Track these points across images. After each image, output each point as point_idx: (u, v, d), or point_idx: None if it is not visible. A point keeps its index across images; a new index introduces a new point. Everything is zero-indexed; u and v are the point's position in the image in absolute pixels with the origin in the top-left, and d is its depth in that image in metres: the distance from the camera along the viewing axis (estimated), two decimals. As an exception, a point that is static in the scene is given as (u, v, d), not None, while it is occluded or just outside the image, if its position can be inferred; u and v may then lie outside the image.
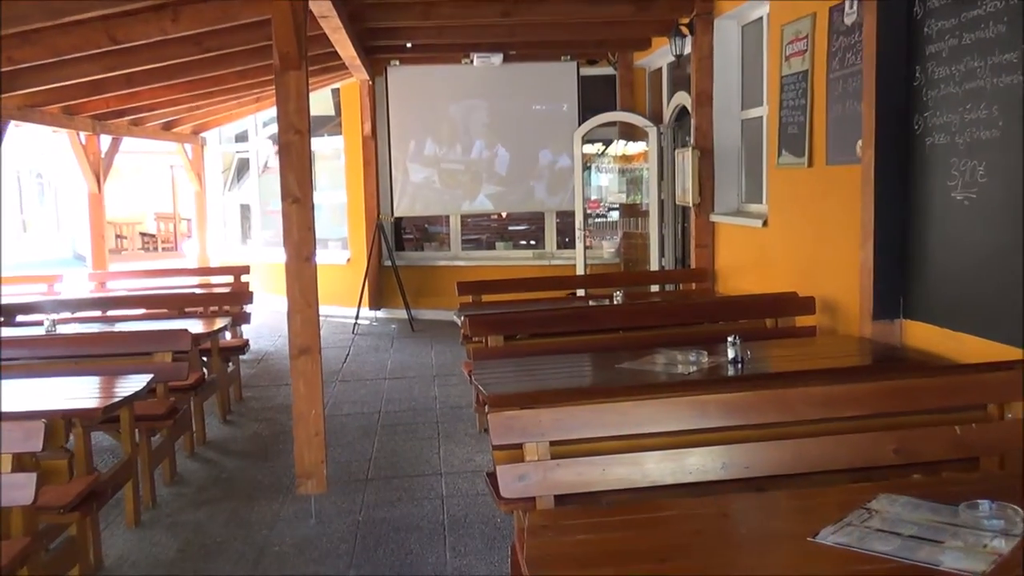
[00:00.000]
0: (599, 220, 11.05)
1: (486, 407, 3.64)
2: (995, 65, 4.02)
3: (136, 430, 4.84)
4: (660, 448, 3.25)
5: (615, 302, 6.52)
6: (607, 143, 10.67)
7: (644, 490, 3.21)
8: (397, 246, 11.52)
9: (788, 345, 5.14)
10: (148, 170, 22.36)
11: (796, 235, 6.22)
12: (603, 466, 3.16)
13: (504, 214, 11.98)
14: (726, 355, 4.46)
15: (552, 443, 3.18)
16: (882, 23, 4.72)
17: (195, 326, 6.43)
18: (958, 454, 3.29)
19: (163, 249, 22.08)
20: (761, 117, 7.22)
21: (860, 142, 5.17)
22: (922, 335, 4.71)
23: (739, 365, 4.38)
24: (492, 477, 3.75)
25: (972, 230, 4.23)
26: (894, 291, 4.85)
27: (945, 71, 4.39)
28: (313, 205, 4.68)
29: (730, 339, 4.43)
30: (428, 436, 6.32)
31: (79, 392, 4.49)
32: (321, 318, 4.95)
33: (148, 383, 4.65)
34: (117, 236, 22.08)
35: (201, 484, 5.48)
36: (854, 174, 5.23)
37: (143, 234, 22.77)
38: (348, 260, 11.54)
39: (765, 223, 6.73)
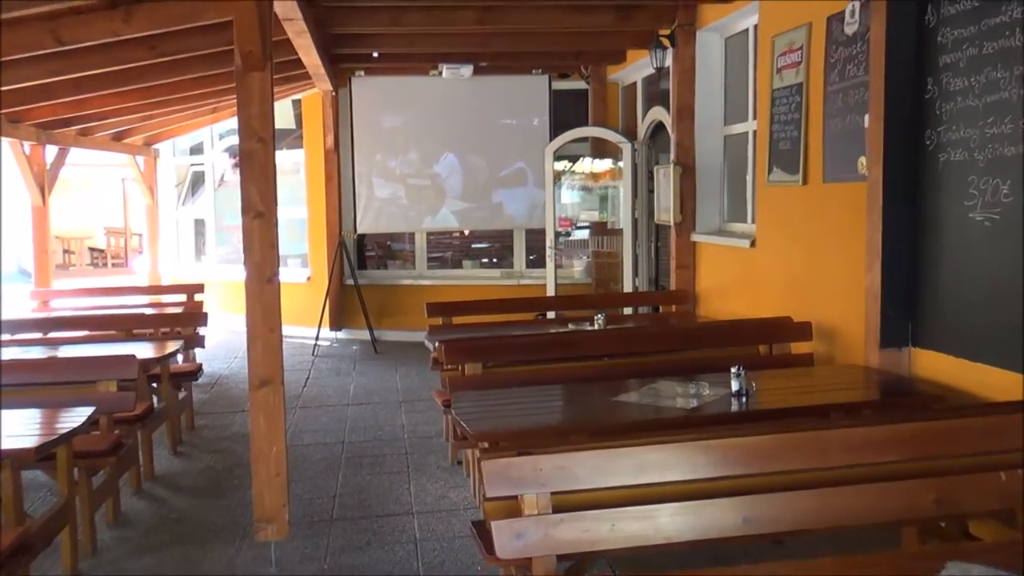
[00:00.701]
0: (565, 239, 10.69)
1: (477, 451, 3.24)
2: (1022, 76, 3.72)
3: (75, 468, 4.36)
4: (671, 497, 2.87)
5: (596, 326, 6.15)
6: (574, 160, 10.32)
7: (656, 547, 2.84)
8: (359, 264, 11.06)
9: (789, 376, 4.78)
10: (99, 183, 21.59)
11: (788, 256, 5.90)
12: (611, 521, 2.78)
13: (467, 231, 11.58)
14: (728, 387, 4.11)
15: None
16: (892, 32, 4.42)
17: (144, 350, 5.95)
18: (1002, 504, 2.96)
19: (113, 265, 21.29)
20: (746, 133, 6.93)
21: (862, 158, 4.88)
22: (934, 365, 4.40)
23: (743, 398, 4.03)
24: (479, 526, 3.36)
25: (994, 252, 3.92)
26: (903, 317, 4.53)
27: (962, 83, 4.10)
28: (277, 220, 4.24)
29: (734, 370, 4.08)
30: (397, 470, 5.87)
31: (10, 428, 3.99)
32: (281, 341, 4.51)
33: (89, 417, 4.18)
34: (65, 251, 21.26)
35: (148, 526, 4.97)
36: (854, 192, 4.94)
37: (92, 249, 21.94)
38: (308, 278, 11.07)
39: (753, 243, 6.41)
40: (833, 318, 5.30)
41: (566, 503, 2.81)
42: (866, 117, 4.77)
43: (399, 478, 5.69)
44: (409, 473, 5.78)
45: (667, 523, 2.81)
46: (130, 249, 21.53)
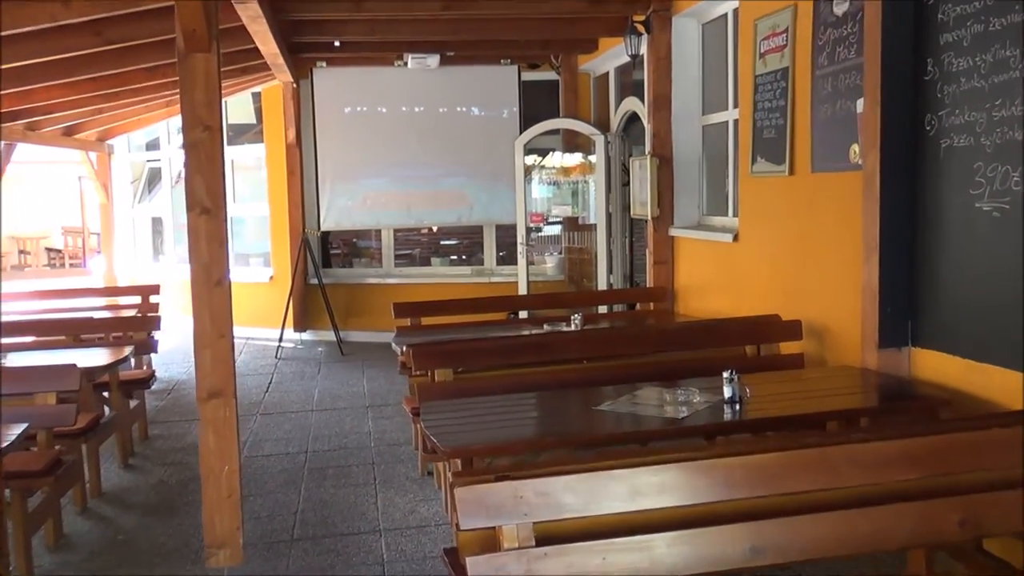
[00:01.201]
0: (536, 235, 10.35)
1: (449, 467, 2.90)
2: (1035, 54, 3.45)
3: (8, 490, 3.97)
4: (668, 524, 2.56)
5: (573, 327, 5.83)
6: (543, 153, 9.99)
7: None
8: (324, 262, 10.67)
9: (782, 379, 4.47)
10: (55, 180, 20.93)
11: (774, 251, 5.62)
12: (602, 554, 2.47)
13: (434, 228, 11.22)
14: (718, 392, 3.82)
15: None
16: (888, 10, 4.13)
17: (92, 357, 5.54)
18: (1030, 524, 2.67)
19: (71, 265, 20.66)
20: (726, 122, 6.65)
21: (855, 146, 4.60)
22: (935, 366, 4.12)
23: (737, 406, 3.73)
24: (451, 555, 3.02)
25: (1004, 244, 3.64)
26: (902, 315, 4.25)
27: (967, 63, 3.81)
28: (227, 216, 3.88)
29: (726, 374, 3.78)
30: (363, 482, 5.52)
31: (-70, 449, 3.60)
32: (241, 341, 4.16)
33: (20, 434, 3.79)
34: (21, 252, 20.62)
35: (93, 549, 4.58)
36: (846, 182, 4.66)
37: (49, 249, 21.27)
38: (271, 278, 10.63)
39: (736, 238, 6.12)
40: (824, 316, 5.02)
41: (550, 533, 2.49)
42: (859, 102, 4.49)
43: (365, 491, 5.34)
44: (376, 486, 5.43)
45: (664, 554, 2.50)
46: (88, 249, 20.89)
